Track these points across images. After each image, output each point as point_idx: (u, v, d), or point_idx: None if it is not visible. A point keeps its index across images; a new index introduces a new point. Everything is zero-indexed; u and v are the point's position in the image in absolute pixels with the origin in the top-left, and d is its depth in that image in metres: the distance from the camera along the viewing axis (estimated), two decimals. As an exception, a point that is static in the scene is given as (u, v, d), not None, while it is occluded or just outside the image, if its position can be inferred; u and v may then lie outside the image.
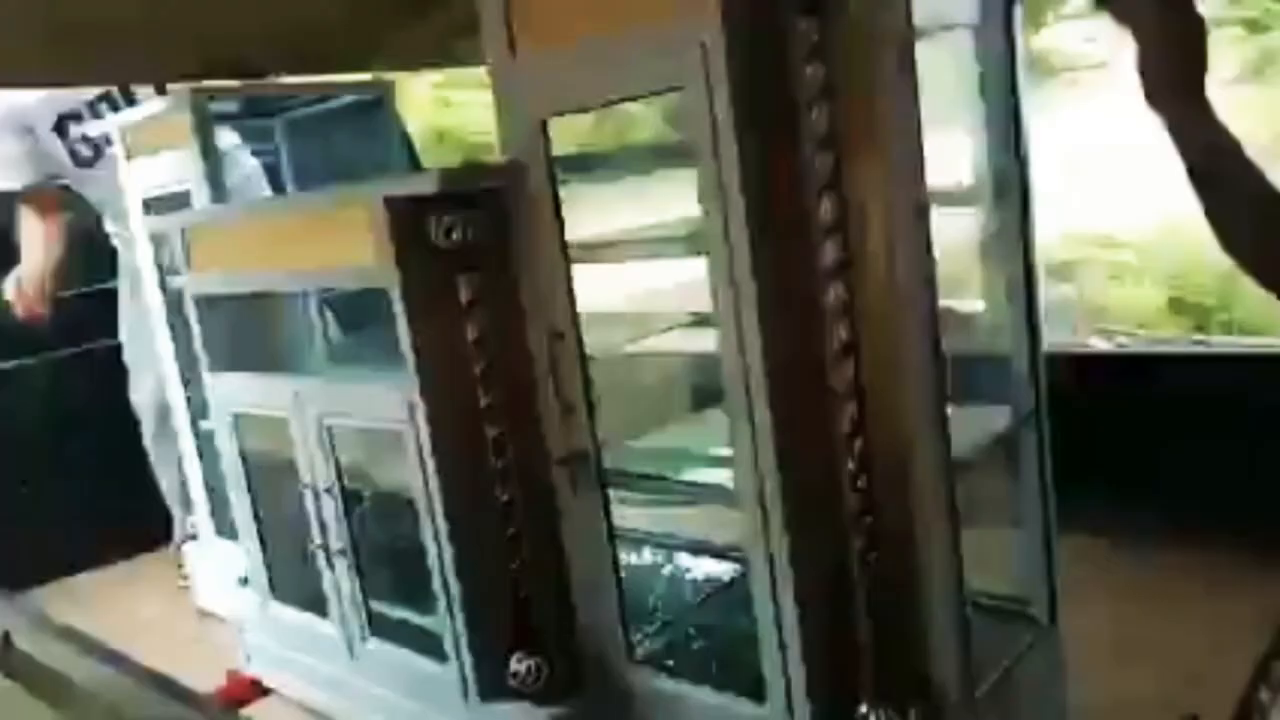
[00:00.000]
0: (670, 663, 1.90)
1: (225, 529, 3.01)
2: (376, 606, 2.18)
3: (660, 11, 1.49)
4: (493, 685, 1.92)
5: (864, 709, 1.58)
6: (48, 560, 3.48)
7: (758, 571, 1.61)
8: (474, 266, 1.78)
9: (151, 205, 2.88)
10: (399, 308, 1.80)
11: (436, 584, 1.93)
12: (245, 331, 2.40)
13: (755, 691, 1.69)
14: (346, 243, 1.86)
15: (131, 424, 3.40)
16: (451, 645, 1.95)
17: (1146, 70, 1.22)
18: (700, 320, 2.22)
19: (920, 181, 1.46)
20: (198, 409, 2.97)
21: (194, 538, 3.18)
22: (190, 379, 2.96)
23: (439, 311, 1.80)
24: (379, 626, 2.18)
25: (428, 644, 2.07)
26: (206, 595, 3.16)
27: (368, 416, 2.00)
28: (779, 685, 1.64)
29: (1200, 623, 2.18)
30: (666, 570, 2.30)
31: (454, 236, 1.73)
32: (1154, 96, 1.22)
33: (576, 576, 1.90)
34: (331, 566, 2.17)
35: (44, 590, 3.40)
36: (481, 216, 1.75)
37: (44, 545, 3.44)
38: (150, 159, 2.82)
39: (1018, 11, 1.69)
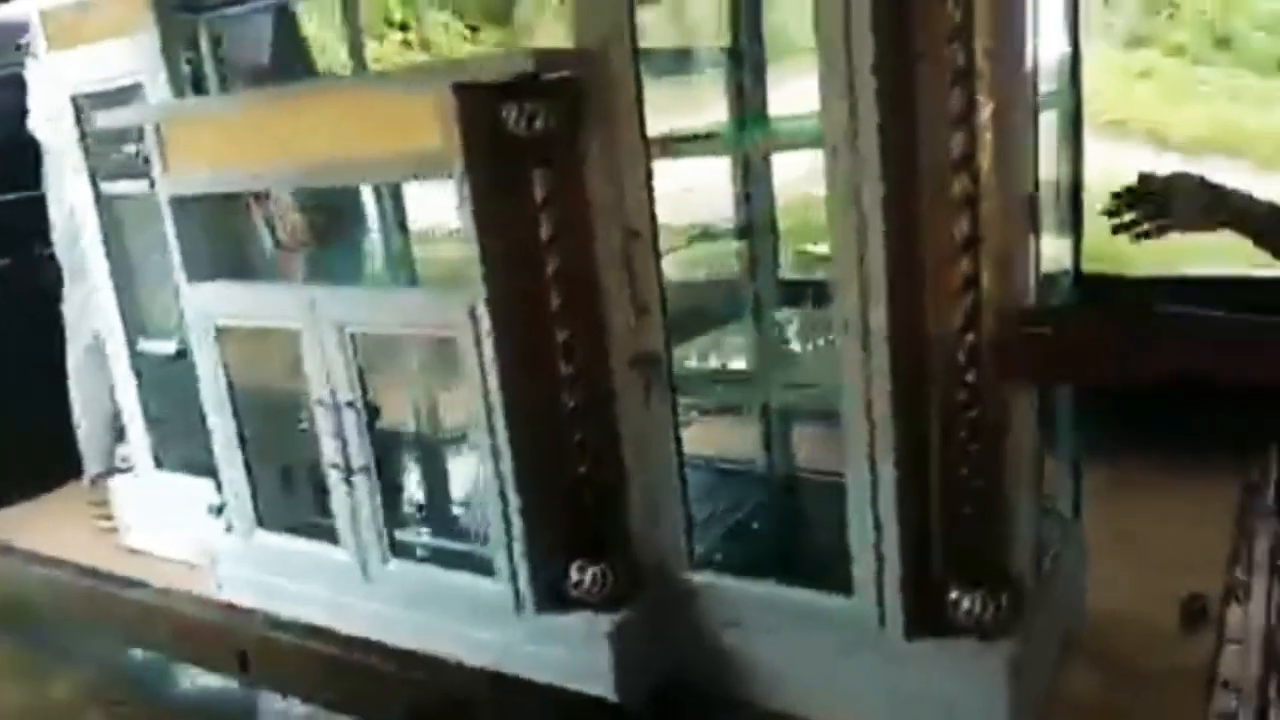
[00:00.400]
0: (735, 565, 1.91)
1: (168, 461, 2.80)
2: (399, 524, 2.08)
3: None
4: (551, 595, 1.88)
5: (955, 594, 1.64)
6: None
7: (857, 471, 1.64)
8: (549, 160, 1.70)
9: (82, 102, 2.59)
10: (464, 202, 1.70)
11: (491, 494, 1.85)
12: (229, 238, 2.22)
13: (839, 585, 1.72)
14: (400, 131, 1.73)
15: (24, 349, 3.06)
16: (505, 558, 1.88)
17: None
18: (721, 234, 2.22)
19: (1035, 80, 1.50)
20: (136, 328, 2.73)
21: (122, 471, 2.91)
22: (126, 295, 2.72)
23: (512, 207, 1.71)
24: (400, 546, 2.08)
25: (464, 561, 2.00)
26: (139, 533, 2.91)
27: (409, 323, 1.89)
28: (869, 579, 1.68)
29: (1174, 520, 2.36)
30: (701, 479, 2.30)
31: (536, 125, 1.64)
32: None
33: (637, 482, 1.87)
34: (350, 484, 2.04)
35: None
36: (559, 105, 1.67)
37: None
38: (75, 51, 2.53)
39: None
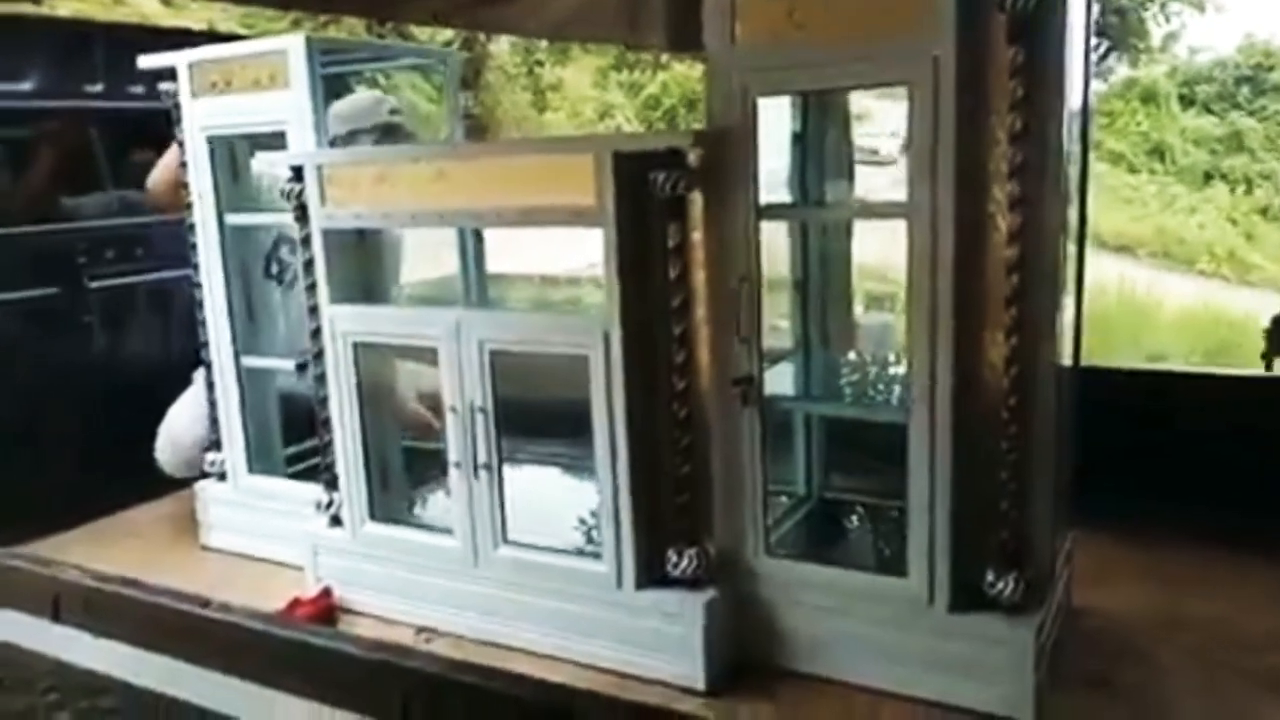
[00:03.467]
0: (801, 552, 2.31)
1: (261, 465, 3.12)
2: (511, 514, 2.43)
3: (894, 26, 1.92)
4: (649, 576, 2.25)
5: (992, 576, 2.06)
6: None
7: (919, 486, 2.06)
8: (681, 216, 2.12)
9: (214, 143, 2.96)
10: (609, 246, 2.12)
11: (606, 485, 2.23)
12: (365, 268, 2.59)
13: (893, 568, 2.14)
14: (558, 186, 2.15)
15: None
16: (612, 541, 2.25)
17: None
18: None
19: (1065, 180, 1.99)
20: (244, 345, 3.06)
21: (217, 476, 3.19)
22: (237, 315, 3.05)
23: (646, 252, 2.13)
24: (510, 533, 2.43)
25: (567, 545, 2.37)
26: (222, 534, 3.19)
27: (546, 342, 2.28)
28: (923, 562, 2.09)
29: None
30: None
31: (678, 190, 2.07)
32: None
33: (723, 480, 2.26)
34: (474, 479, 2.40)
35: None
36: (693, 174, 2.10)
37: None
38: (221, 98, 2.90)
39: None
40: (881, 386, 2.60)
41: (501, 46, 18.06)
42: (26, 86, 3.32)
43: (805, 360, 2.68)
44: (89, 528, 3.33)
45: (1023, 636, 2.03)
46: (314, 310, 2.60)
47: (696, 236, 2.17)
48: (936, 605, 2.10)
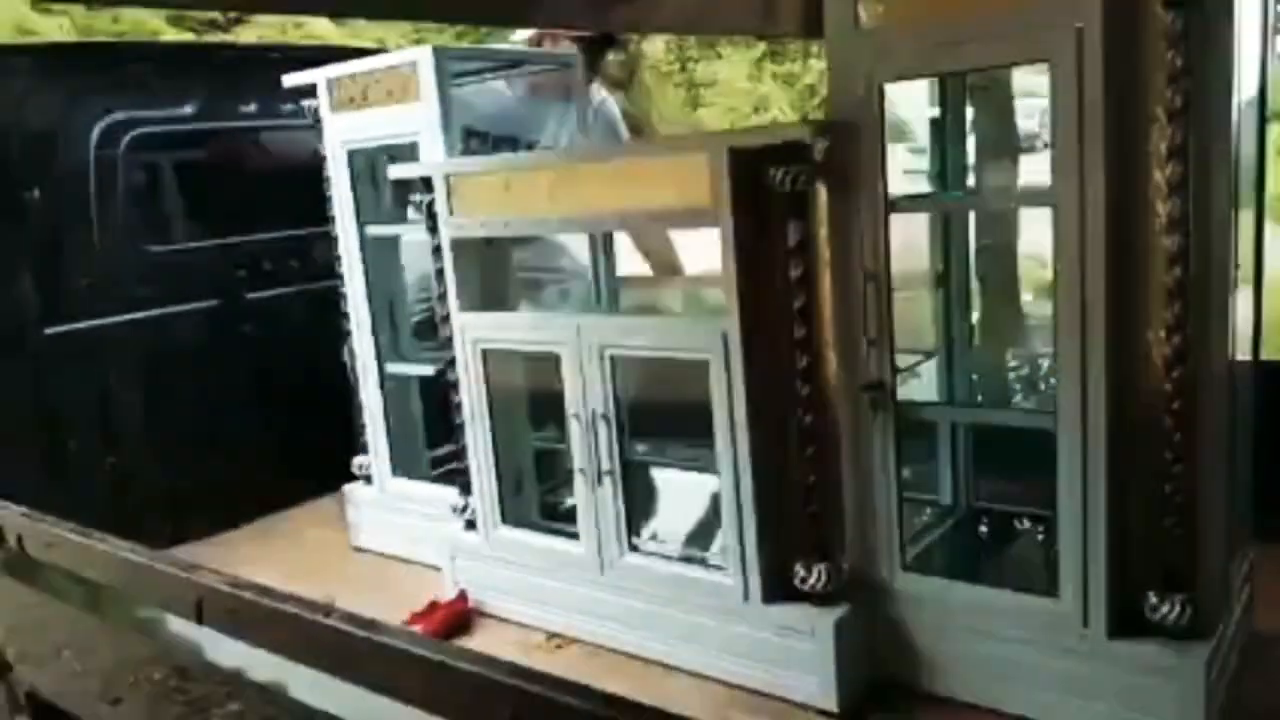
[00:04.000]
0: (942, 569, 2.16)
1: (405, 469, 3.20)
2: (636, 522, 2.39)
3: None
4: (776, 590, 2.16)
5: (1154, 599, 1.86)
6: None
7: (1070, 495, 1.88)
8: (802, 212, 2.02)
9: (354, 156, 3.04)
10: (726, 246, 2.03)
11: (729, 495, 2.15)
12: (493, 275, 2.60)
13: (1042, 588, 1.96)
14: (674, 187, 2.08)
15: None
16: (737, 553, 2.17)
17: None
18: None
19: (1235, 161, 1.77)
20: (386, 354, 3.14)
21: (364, 479, 3.29)
22: (380, 324, 3.13)
23: (766, 252, 2.04)
24: (637, 541, 2.39)
25: (695, 556, 2.30)
26: (370, 534, 3.29)
27: (665, 347, 2.22)
28: (1076, 582, 1.91)
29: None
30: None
31: (798, 186, 1.96)
32: None
33: (854, 493, 2.14)
34: (598, 486, 2.36)
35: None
36: (816, 168, 1.99)
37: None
38: (358, 113, 2.98)
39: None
40: (1032, 389, 2.41)
41: (655, 46, 18.11)
42: (188, 110, 3.51)
43: (948, 361, 2.51)
44: (251, 527, 3.51)
45: (1192, 666, 1.83)
46: (446, 318, 2.63)
47: (822, 234, 2.07)
48: (1092, 628, 1.91)
